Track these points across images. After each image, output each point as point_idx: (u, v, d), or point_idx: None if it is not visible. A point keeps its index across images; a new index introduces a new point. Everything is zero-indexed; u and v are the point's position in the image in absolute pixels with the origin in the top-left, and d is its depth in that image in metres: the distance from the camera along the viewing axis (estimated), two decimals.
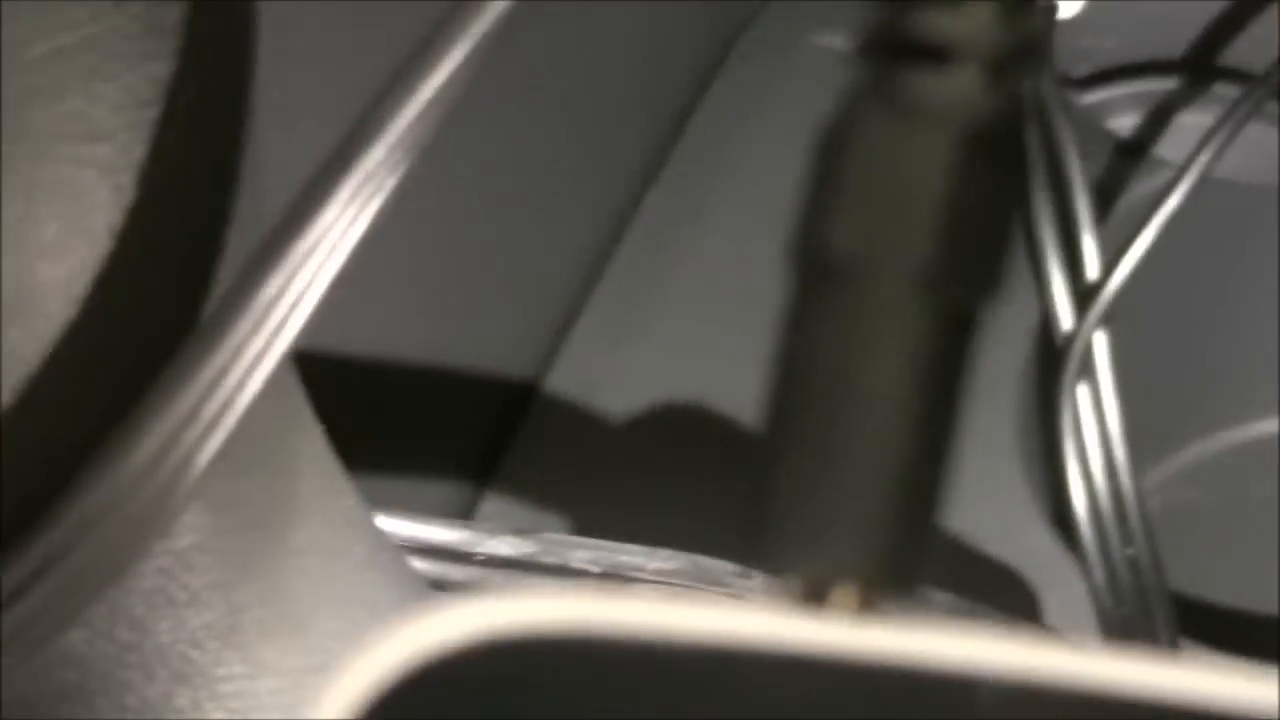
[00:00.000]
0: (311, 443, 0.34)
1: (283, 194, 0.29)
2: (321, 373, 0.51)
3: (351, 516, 0.36)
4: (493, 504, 0.60)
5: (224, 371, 0.27)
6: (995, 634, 0.19)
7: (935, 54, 0.22)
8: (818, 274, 0.22)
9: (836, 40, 0.65)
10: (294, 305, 0.28)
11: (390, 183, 0.28)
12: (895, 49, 0.22)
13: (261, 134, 0.30)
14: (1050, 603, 0.57)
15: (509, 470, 0.61)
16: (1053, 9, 0.59)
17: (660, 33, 0.67)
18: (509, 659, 0.19)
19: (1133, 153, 0.62)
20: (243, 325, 0.27)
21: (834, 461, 0.21)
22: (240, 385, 0.27)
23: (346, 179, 0.28)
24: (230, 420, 0.27)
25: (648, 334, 0.63)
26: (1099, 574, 0.55)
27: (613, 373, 0.63)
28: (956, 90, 0.22)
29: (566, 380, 0.63)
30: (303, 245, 0.28)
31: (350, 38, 0.50)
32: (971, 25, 0.22)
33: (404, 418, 0.58)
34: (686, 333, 0.63)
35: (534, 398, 0.63)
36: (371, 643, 0.19)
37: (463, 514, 0.60)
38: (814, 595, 0.21)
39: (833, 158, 0.22)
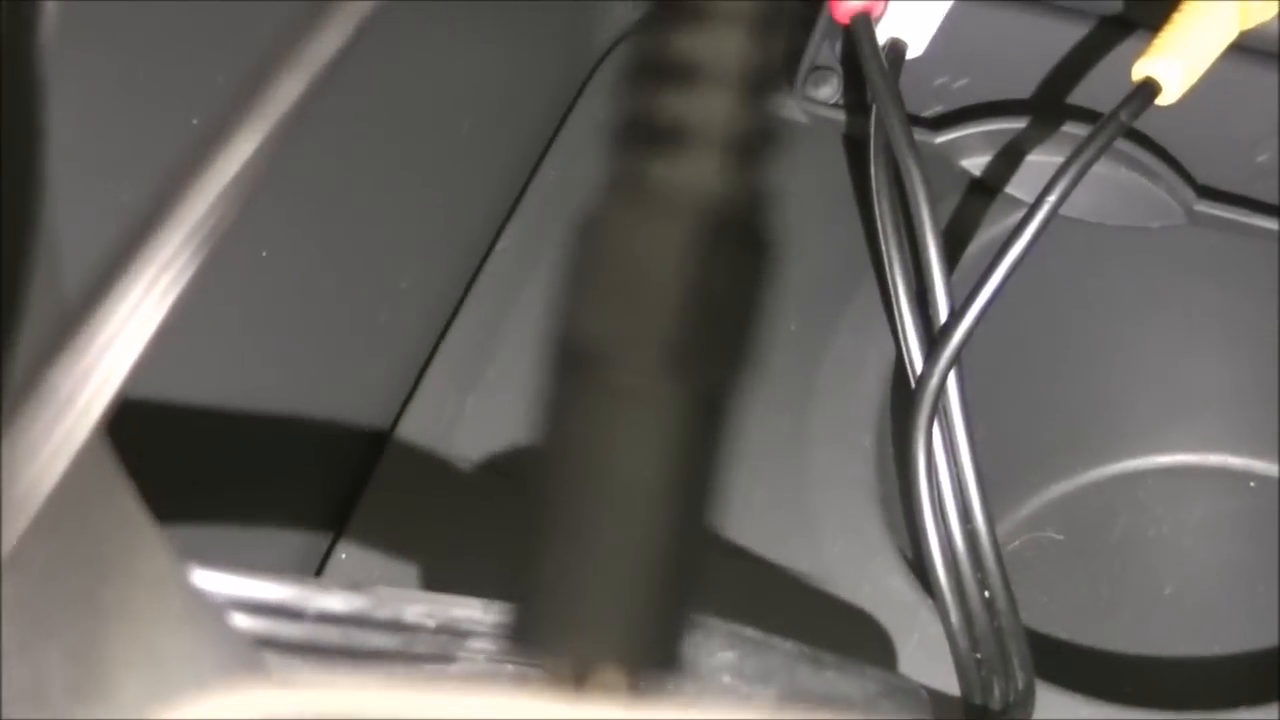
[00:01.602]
0: (120, 502, 0.33)
1: (79, 272, 0.28)
2: (162, 422, 0.51)
3: (164, 575, 0.35)
4: (344, 554, 0.60)
5: (29, 457, 0.26)
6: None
7: (677, 139, 0.22)
8: (570, 361, 0.22)
9: None
10: (98, 388, 0.27)
11: (197, 260, 0.28)
12: (641, 136, 0.23)
13: (55, 211, 0.30)
14: (907, 647, 0.57)
15: (360, 520, 0.61)
16: (900, 46, 0.60)
17: (513, 78, 0.67)
18: None
19: (986, 191, 0.63)
20: (45, 414, 0.26)
21: (589, 546, 0.22)
22: (45, 470, 0.27)
23: (150, 258, 0.27)
24: (34, 505, 0.26)
25: (495, 377, 0.63)
26: (955, 617, 0.55)
27: (462, 414, 0.63)
28: (696, 176, 0.22)
29: (417, 428, 0.63)
30: (106, 327, 0.27)
31: (147, 105, 0.50)
32: (710, 110, 0.22)
33: (252, 469, 0.58)
34: (531, 377, 0.62)
35: (385, 446, 0.62)
36: None
37: (315, 566, 0.60)
38: (577, 678, 0.21)
39: (582, 246, 0.22)
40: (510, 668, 0.44)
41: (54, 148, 0.29)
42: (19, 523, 0.26)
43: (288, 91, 0.28)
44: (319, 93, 0.28)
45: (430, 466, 0.62)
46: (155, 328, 0.27)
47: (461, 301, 0.65)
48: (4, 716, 0.31)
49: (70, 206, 0.30)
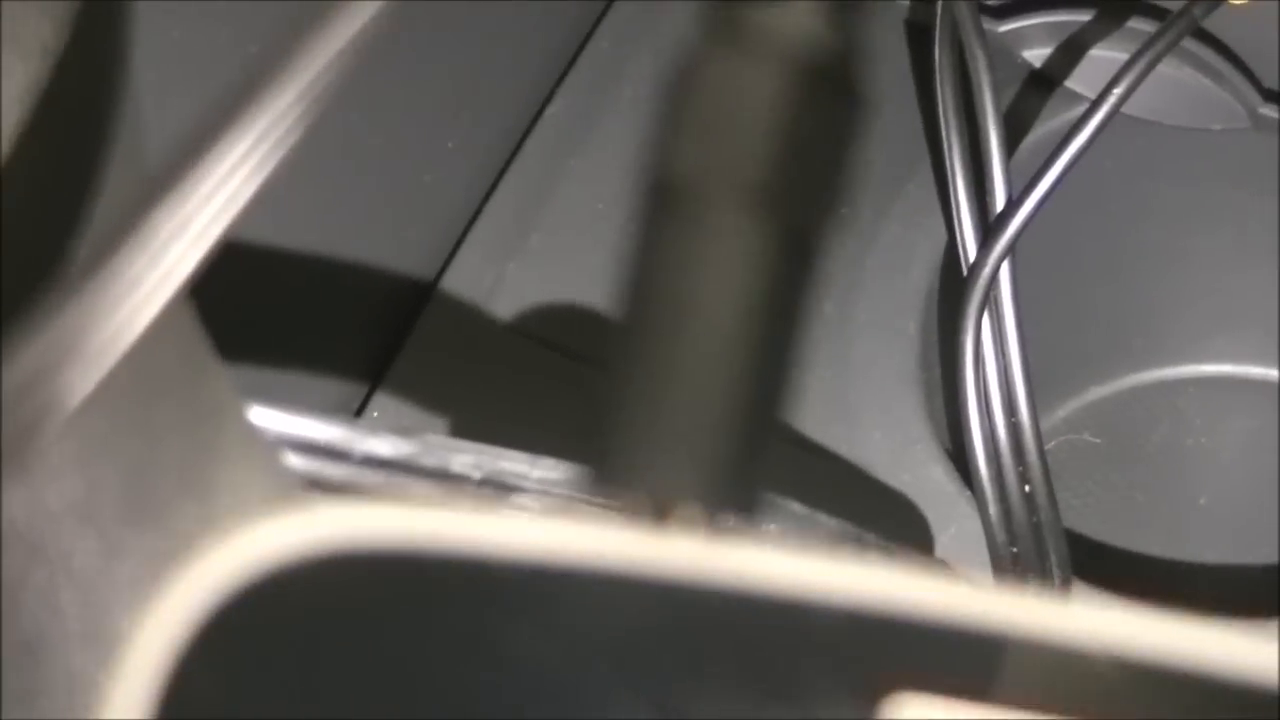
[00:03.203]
0: (186, 335, 0.33)
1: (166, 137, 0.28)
2: (212, 262, 0.50)
3: (221, 404, 0.35)
4: (381, 402, 0.60)
5: (117, 305, 0.26)
6: (834, 558, 0.18)
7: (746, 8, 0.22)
8: (660, 197, 0.22)
9: None
10: (189, 245, 0.27)
11: (296, 132, 0.27)
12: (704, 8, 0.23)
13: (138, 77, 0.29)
14: (944, 537, 0.57)
15: (399, 371, 0.60)
16: None
17: None
18: (353, 567, 0.18)
19: (1046, 84, 0.62)
20: (137, 261, 0.26)
21: (672, 381, 0.22)
22: (130, 319, 0.26)
23: (252, 123, 0.27)
24: (118, 351, 0.26)
25: (537, 245, 0.63)
26: (994, 510, 0.55)
27: (502, 281, 0.62)
28: (790, 24, 0.22)
29: (458, 286, 0.62)
30: (202, 188, 0.27)
31: None
32: None
33: (296, 312, 0.58)
34: (573, 247, 0.62)
35: (427, 301, 0.62)
36: (200, 559, 0.19)
37: (352, 411, 0.60)
38: (658, 513, 0.21)
39: (677, 88, 0.22)
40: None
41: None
42: (102, 366, 0.26)
43: None
44: None
45: (467, 330, 0.62)
46: (255, 189, 0.27)
47: (507, 165, 0.64)
48: (49, 536, 0.30)
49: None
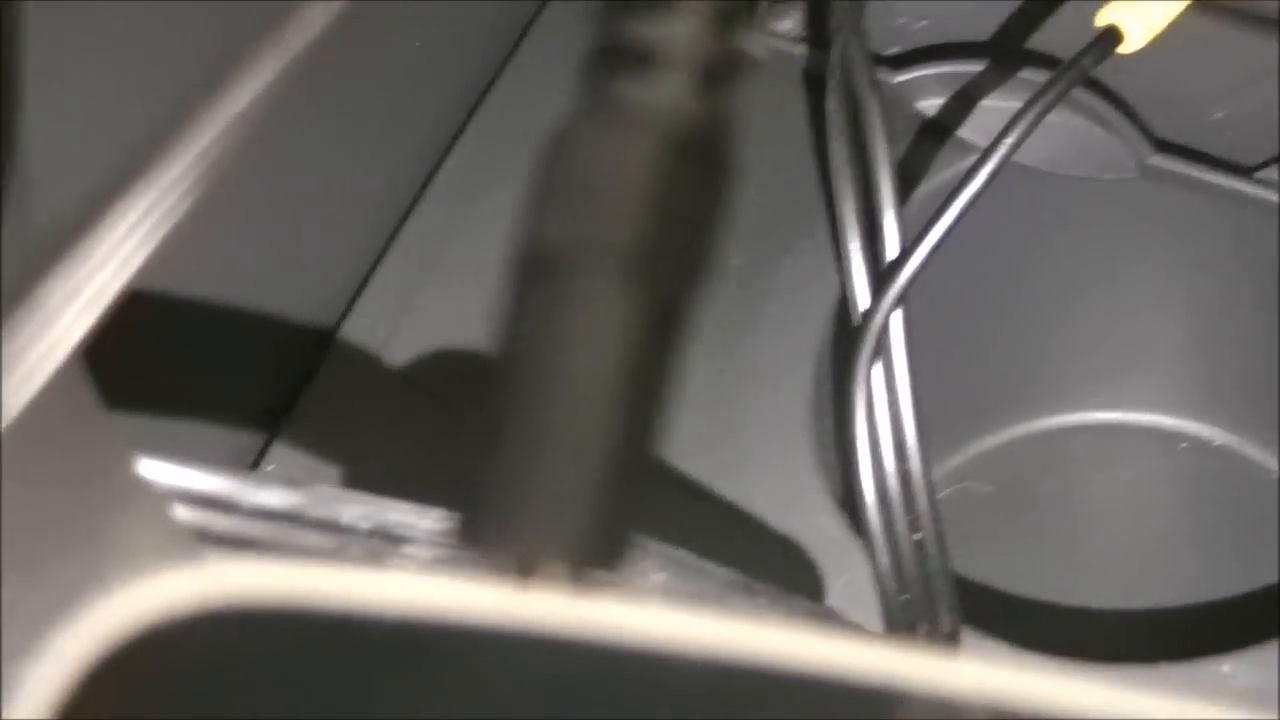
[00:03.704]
0: (73, 382, 0.33)
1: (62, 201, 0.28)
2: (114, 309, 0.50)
3: (109, 458, 0.34)
4: (278, 454, 0.59)
5: (13, 366, 0.26)
6: (703, 615, 0.19)
7: (643, 62, 0.22)
8: (533, 263, 0.22)
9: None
10: (80, 313, 0.27)
11: (188, 200, 0.27)
12: (609, 57, 0.23)
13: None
14: (836, 585, 0.57)
15: (295, 422, 0.60)
16: None
17: (467, 4, 0.66)
18: (231, 625, 0.18)
19: (940, 134, 0.62)
20: (25, 330, 0.26)
21: (541, 442, 0.22)
22: (27, 379, 0.26)
23: (144, 191, 0.27)
24: (12, 412, 0.26)
25: (434, 298, 0.63)
26: (885, 558, 0.55)
27: (398, 333, 0.62)
28: (661, 97, 0.22)
29: (356, 337, 0.62)
30: (94, 256, 0.27)
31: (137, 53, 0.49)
32: (676, 35, 0.22)
33: (194, 364, 0.57)
34: (470, 300, 0.62)
35: (325, 352, 0.62)
36: (81, 617, 0.19)
37: (249, 463, 0.59)
38: (523, 569, 0.21)
39: (550, 158, 0.23)
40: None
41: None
42: None
43: (287, 46, 0.28)
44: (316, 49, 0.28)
45: (364, 381, 0.62)
46: (147, 255, 0.27)
47: (405, 218, 0.64)
48: None
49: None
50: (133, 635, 0.18)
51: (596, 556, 0.21)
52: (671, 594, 0.46)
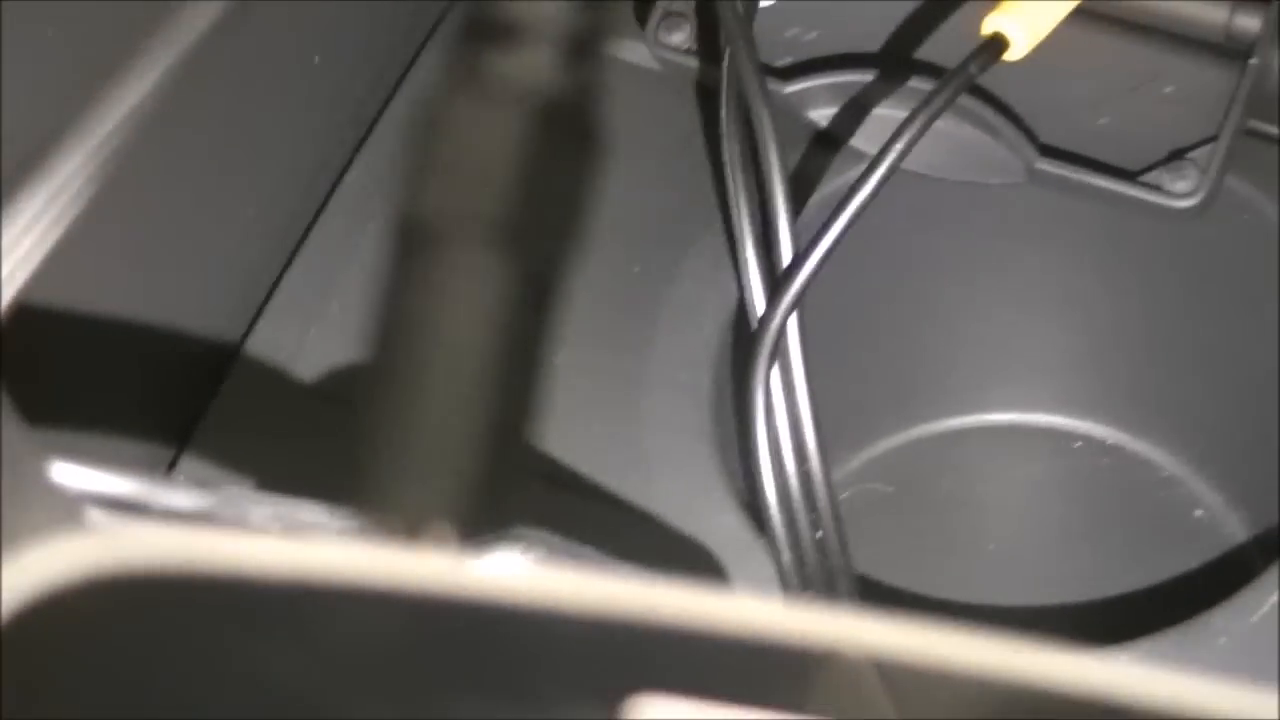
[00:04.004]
0: None
1: None
2: (20, 319, 0.50)
3: (18, 459, 0.34)
4: (187, 466, 0.59)
5: None
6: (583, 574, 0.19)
7: (510, 39, 0.23)
8: (409, 237, 0.23)
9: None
10: None
11: (86, 194, 0.28)
12: (480, 34, 0.23)
13: None
14: (739, 583, 0.57)
15: (203, 434, 0.60)
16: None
17: (364, 17, 0.66)
18: (127, 593, 0.19)
19: (831, 143, 0.63)
20: None
21: (421, 409, 0.22)
22: None
23: (39, 188, 0.27)
24: None
25: (337, 310, 0.63)
26: (787, 556, 0.55)
27: (304, 346, 0.62)
28: (527, 72, 0.23)
29: (261, 350, 0.62)
30: None
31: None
32: (542, 13, 0.23)
33: (102, 376, 0.57)
34: (378, 305, 0.62)
35: (231, 364, 0.62)
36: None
37: (160, 473, 0.59)
38: (409, 532, 0.21)
39: (427, 133, 0.23)
40: None
41: None
42: None
43: (179, 36, 0.28)
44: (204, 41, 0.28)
45: (271, 393, 0.62)
46: (44, 253, 0.27)
47: (308, 232, 0.65)
48: None
49: None
50: (29, 597, 0.19)
51: (480, 519, 0.22)
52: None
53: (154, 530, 0.19)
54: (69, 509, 0.37)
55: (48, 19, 0.51)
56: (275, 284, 0.64)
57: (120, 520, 0.40)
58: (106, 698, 0.19)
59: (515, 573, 0.19)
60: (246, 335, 0.63)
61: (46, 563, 0.19)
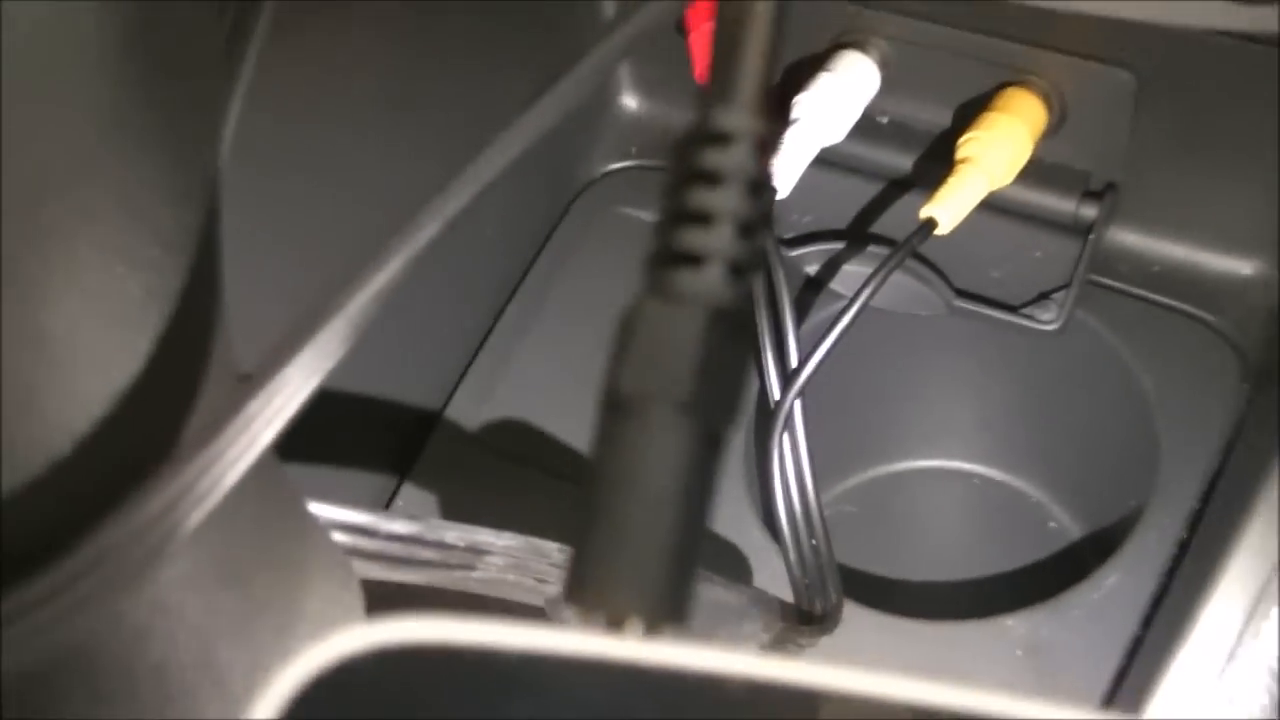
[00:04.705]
0: (267, 463, 0.32)
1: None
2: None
3: (288, 504, 0.33)
4: (405, 497, 0.58)
5: (213, 462, 0.25)
6: (740, 655, 0.18)
7: (693, 260, 0.21)
8: (615, 409, 0.21)
9: (641, 212, 0.65)
10: (269, 424, 0.26)
11: (340, 352, 0.26)
12: (665, 257, 0.21)
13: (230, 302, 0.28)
14: (760, 575, 0.56)
15: (415, 476, 0.60)
16: (774, 191, 0.59)
17: (520, 201, 0.66)
18: (393, 670, 0.17)
19: (819, 287, 0.62)
20: (228, 433, 0.25)
21: (626, 532, 0.20)
22: (226, 471, 0.25)
23: (313, 338, 0.26)
24: (217, 497, 0.25)
25: (510, 391, 0.62)
26: (793, 556, 0.55)
27: (487, 413, 0.61)
28: (706, 285, 0.21)
29: (458, 415, 0.62)
30: (282, 387, 0.26)
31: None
32: (716, 242, 0.21)
33: (346, 436, 0.57)
34: (542, 388, 0.61)
35: (436, 424, 0.61)
36: (291, 661, 0.17)
37: (383, 502, 0.59)
38: (615, 624, 0.20)
39: (625, 328, 0.21)
40: (512, 577, 0.42)
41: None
42: (207, 506, 0.25)
43: (430, 224, 0.27)
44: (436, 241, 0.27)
45: (461, 449, 0.61)
46: (313, 386, 0.26)
47: (484, 340, 0.64)
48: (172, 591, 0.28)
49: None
50: (316, 678, 0.17)
51: (663, 616, 0.20)
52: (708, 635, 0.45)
53: (428, 620, 0.17)
54: (320, 535, 0.36)
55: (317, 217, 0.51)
56: (462, 373, 0.63)
57: (356, 540, 0.39)
58: None
59: (685, 649, 0.17)
60: (444, 407, 0.62)
61: (334, 644, 0.17)
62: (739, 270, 0.21)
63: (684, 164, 0.21)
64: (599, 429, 0.21)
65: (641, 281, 0.21)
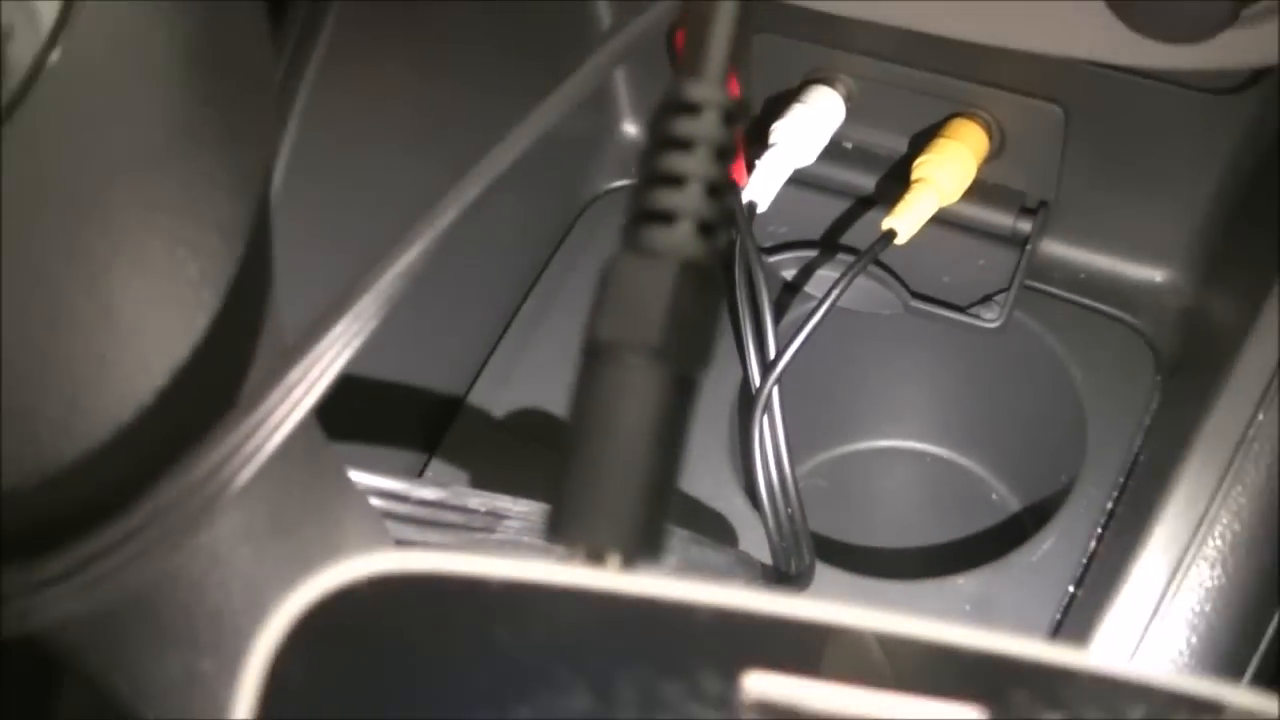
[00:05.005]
0: (311, 431, 0.29)
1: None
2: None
3: (330, 469, 0.31)
4: (434, 470, 0.56)
5: (260, 425, 0.23)
6: (709, 586, 0.16)
7: (666, 218, 0.20)
8: (594, 355, 0.20)
9: None
10: (308, 390, 0.24)
11: (372, 325, 0.24)
12: (641, 216, 0.20)
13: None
14: (744, 539, 0.54)
15: (442, 451, 0.57)
16: (754, 205, 0.56)
17: (533, 217, 0.63)
18: (393, 599, 0.16)
19: (795, 290, 0.60)
20: (273, 398, 0.24)
21: (603, 470, 0.19)
22: (272, 433, 0.24)
23: (347, 312, 0.24)
24: (264, 456, 0.23)
25: (526, 378, 0.60)
26: (770, 522, 0.53)
27: (505, 397, 0.59)
28: (678, 240, 0.20)
29: (480, 399, 0.60)
30: (322, 355, 0.24)
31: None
32: (686, 202, 0.20)
33: (382, 413, 0.54)
34: (548, 376, 0.59)
35: (460, 407, 0.58)
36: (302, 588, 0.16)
37: (415, 473, 0.56)
38: (595, 558, 0.18)
39: (604, 281, 0.20)
40: (527, 539, 0.40)
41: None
42: (257, 462, 0.24)
43: (450, 210, 0.24)
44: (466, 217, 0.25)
45: (483, 428, 0.58)
46: (349, 356, 0.24)
47: (504, 332, 0.62)
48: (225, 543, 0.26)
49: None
50: (327, 597, 0.15)
51: (640, 549, 0.17)
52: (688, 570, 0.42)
53: (422, 552, 0.15)
54: (358, 499, 0.33)
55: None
56: (484, 362, 0.60)
57: (389, 505, 0.36)
58: (380, 681, 0.15)
59: (659, 580, 0.14)
60: (467, 393, 0.59)
61: (342, 570, 0.15)
62: (708, 227, 0.20)
63: (658, 132, 0.20)
64: (578, 375, 0.19)
65: (620, 239, 0.20)
